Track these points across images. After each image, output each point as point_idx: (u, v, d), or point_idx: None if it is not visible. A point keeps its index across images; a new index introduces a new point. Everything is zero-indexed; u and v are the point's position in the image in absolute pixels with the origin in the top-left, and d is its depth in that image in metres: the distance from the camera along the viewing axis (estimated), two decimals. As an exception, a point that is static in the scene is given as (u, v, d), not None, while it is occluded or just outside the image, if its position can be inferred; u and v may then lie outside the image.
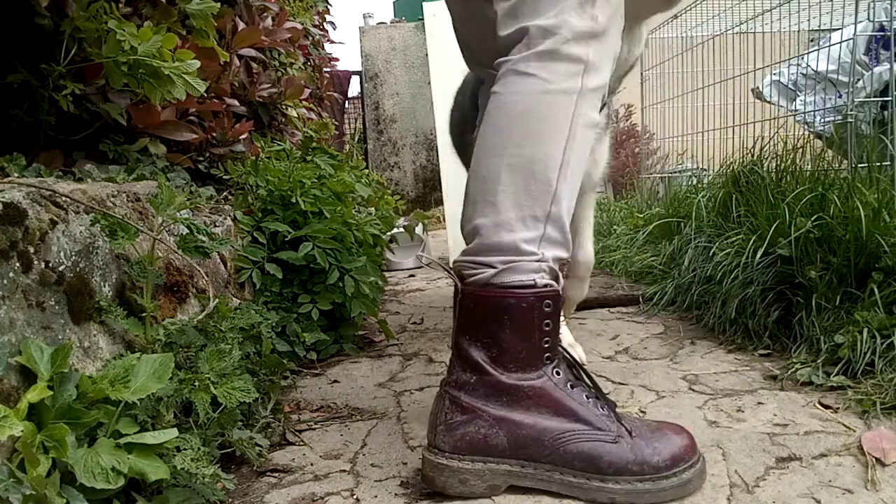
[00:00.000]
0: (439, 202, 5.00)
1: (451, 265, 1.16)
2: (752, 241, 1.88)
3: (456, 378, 1.05)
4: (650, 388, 1.56)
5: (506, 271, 1.02)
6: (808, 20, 2.76)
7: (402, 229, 3.42)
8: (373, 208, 2.83)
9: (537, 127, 1.04)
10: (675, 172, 3.79)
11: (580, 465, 1.00)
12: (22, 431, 0.85)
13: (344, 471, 1.23)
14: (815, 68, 2.91)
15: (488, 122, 1.08)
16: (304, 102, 3.26)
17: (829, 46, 2.83)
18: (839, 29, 2.77)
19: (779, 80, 3.22)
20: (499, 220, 1.03)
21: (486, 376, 1.02)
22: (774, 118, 2.94)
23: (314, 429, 1.46)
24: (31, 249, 1.03)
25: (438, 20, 4.37)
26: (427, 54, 4.44)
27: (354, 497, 1.13)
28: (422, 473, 1.08)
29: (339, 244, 1.95)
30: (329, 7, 4.63)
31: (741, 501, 1.05)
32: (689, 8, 3.53)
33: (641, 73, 4.11)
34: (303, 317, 1.89)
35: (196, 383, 1.17)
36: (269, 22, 2.89)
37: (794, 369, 1.57)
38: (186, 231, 1.36)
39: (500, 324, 1.01)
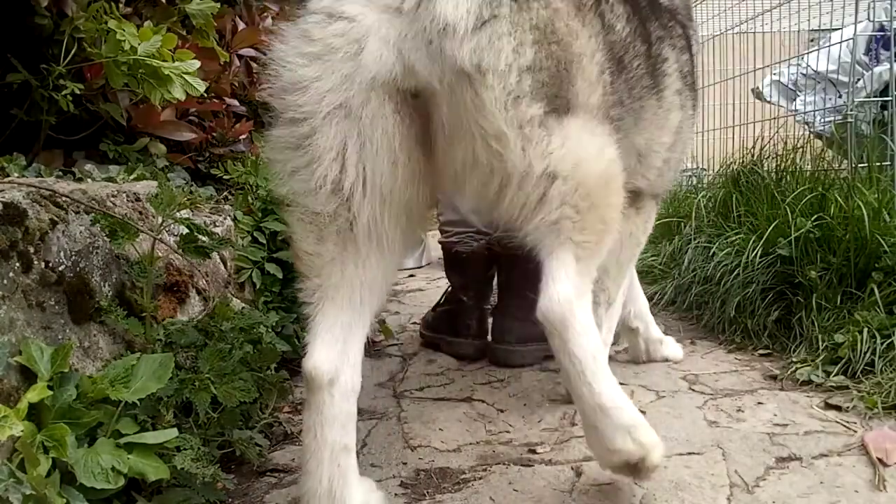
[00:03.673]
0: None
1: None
2: (752, 241, 1.88)
3: None
4: (650, 388, 1.56)
5: None
6: (808, 20, 2.76)
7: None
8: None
9: None
10: (674, 172, 3.78)
11: None
12: (22, 431, 0.85)
13: (344, 471, 1.23)
14: (815, 68, 2.91)
15: None
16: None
17: (829, 46, 2.82)
18: (839, 29, 2.77)
19: (779, 80, 3.22)
20: None
21: None
22: (774, 118, 2.93)
23: (314, 429, 1.45)
24: (31, 249, 1.03)
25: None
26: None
27: (354, 497, 1.12)
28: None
29: (339, 244, 1.94)
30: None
31: (741, 501, 1.05)
32: (689, 8, 3.52)
33: (641, 73, 4.10)
34: (303, 317, 1.88)
35: (196, 383, 1.17)
36: (269, 22, 2.89)
37: (793, 369, 1.57)
38: (186, 231, 1.36)
39: None
